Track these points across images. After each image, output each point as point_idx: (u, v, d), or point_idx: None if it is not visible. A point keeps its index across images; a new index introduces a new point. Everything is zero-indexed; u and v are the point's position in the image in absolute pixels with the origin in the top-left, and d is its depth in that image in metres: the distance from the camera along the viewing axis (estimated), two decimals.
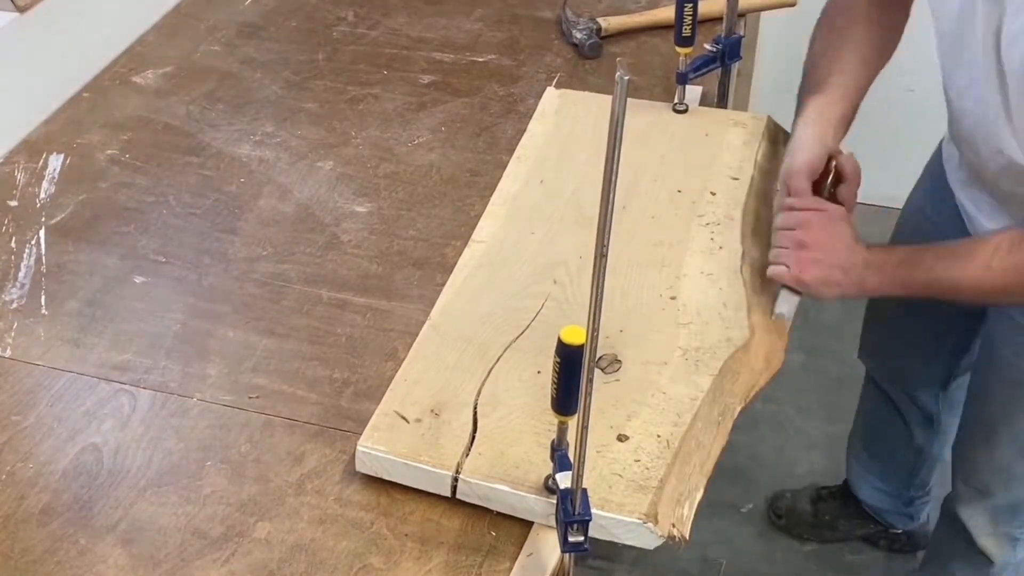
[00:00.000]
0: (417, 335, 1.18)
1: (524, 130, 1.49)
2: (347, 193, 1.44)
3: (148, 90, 1.65)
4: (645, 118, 1.48)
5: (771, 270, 1.22)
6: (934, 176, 1.49)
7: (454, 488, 1.03)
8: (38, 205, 1.43)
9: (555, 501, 0.98)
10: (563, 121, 1.50)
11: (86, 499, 1.06)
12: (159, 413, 1.15)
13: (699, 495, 1.02)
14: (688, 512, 1.00)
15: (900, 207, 1.63)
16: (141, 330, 1.25)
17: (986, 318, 1.50)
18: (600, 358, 1.12)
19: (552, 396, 0.92)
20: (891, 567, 2.03)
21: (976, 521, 1.62)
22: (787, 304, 1.21)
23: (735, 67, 1.57)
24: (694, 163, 1.41)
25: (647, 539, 0.98)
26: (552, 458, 0.98)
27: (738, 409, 1.11)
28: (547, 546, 1.00)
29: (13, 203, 1.43)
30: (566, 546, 0.93)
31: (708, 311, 1.20)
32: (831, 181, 1.26)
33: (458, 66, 1.69)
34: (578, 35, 1.70)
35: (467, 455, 1.04)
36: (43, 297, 1.29)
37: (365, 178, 1.47)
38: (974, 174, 1.34)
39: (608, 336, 1.15)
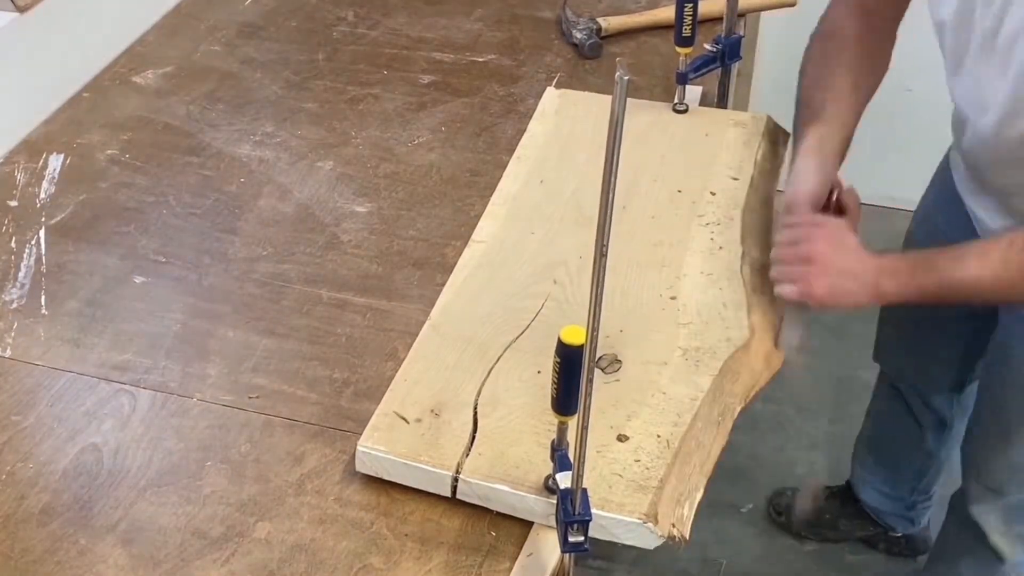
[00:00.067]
0: (417, 335, 1.18)
1: (524, 130, 1.49)
2: (347, 193, 1.44)
3: (148, 90, 1.65)
4: (645, 118, 1.48)
5: (778, 289, 1.19)
6: (944, 184, 1.48)
7: (454, 488, 1.03)
8: (38, 205, 1.43)
9: (555, 501, 0.98)
10: (563, 121, 1.50)
11: (86, 499, 1.06)
12: (159, 413, 1.15)
13: (699, 495, 1.02)
14: (688, 512, 1.00)
15: (900, 207, 1.63)
16: (141, 330, 1.25)
17: (998, 319, 1.50)
18: (600, 358, 1.12)
19: (552, 396, 0.92)
20: (892, 568, 2.03)
21: (989, 520, 1.62)
22: (792, 331, 1.19)
23: (735, 67, 1.57)
24: (694, 163, 1.41)
25: (647, 539, 0.98)
26: (552, 458, 0.98)
27: (738, 409, 1.11)
28: (547, 546, 1.00)
29: (13, 203, 1.43)
30: (566, 546, 0.93)
31: (708, 311, 1.20)
32: (832, 214, 1.24)
33: (458, 66, 1.69)
34: (578, 35, 1.70)
35: (467, 455, 1.04)
36: (43, 297, 1.29)
37: (365, 178, 1.47)
38: (979, 179, 1.33)
39: (608, 336, 1.15)
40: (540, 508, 1.00)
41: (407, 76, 1.67)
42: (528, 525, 1.02)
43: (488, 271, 1.26)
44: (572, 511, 0.91)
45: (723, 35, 1.50)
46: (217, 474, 1.08)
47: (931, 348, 1.70)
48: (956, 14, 1.17)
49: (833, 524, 2.04)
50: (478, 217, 1.34)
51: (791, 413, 2.29)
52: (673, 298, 1.22)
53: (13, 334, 1.25)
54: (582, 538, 0.92)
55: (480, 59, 1.70)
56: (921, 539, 2.01)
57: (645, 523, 0.97)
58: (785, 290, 1.18)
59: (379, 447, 1.05)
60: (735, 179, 1.38)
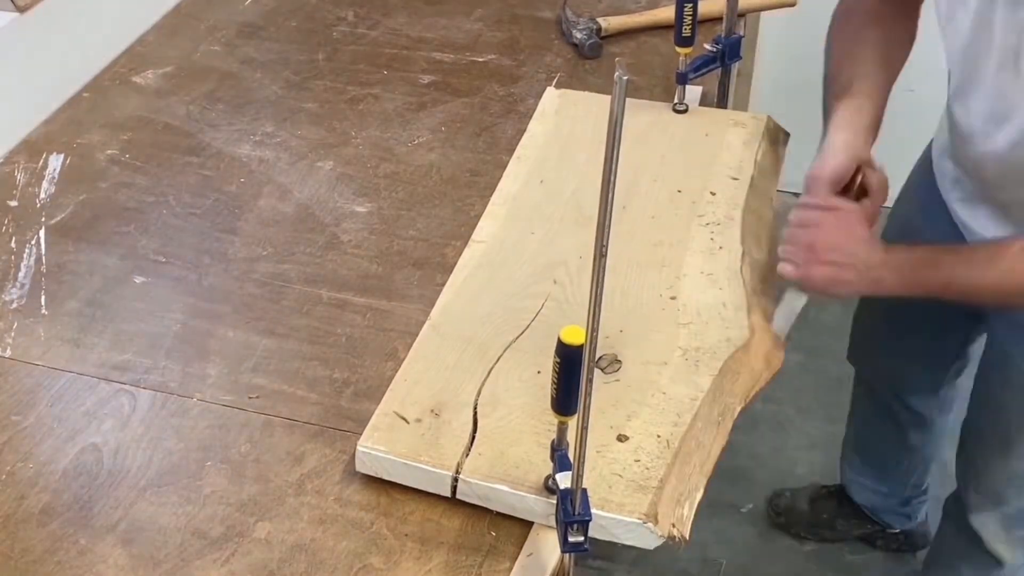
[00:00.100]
0: (417, 335, 1.18)
1: (524, 130, 1.49)
2: (347, 193, 1.44)
3: (148, 90, 1.65)
4: (645, 118, 1.48)
5: (780, 267, 1.21)
6: (926, 189, 1.46)
7: (454, 488, 1.03)
8: (38, 205, 1.43)
9: (555, 501, 0.98)
10: (563, 121, 1.50)
11: (86, 499, 1.06)
12: (159, 413, 1.15)
13: (699, 495, 1.02)
14: (688, 512, 1.00)
15: None
16: (141, 330, 1.25)
17: (989, 325, 1.49)
18: (600, 358, 1.12)
19: (552, 396, 0.92)
20: (891, 567, 2.03)
21: (988, 528, 1.61)
22: (784, 317, 1.20)
23: (735, 67, 1.57)
24: (694, 163, 1.41)
25: (647, 539, 0.98)
26: (552, 458, 0.98)
27: (738, 409, 1.11)
28: (547, 546, 1.00)
29: (13, 203, 1.43)
30: (566, 546, 0.93)
31: (708, 311, 1.20)
32: (855, 193, 1.23)
33: (458, 66, 1.69)
34: (578, 35, 1.70)
35: (467, 455, 1.04)
36: (43, 297, 1.29)
37: (365, 178, 1.47)
38: (982, 192, 1.31)
39: (608, 336, 1.15)
40: (540, 508, 1.00)
41: (407, 76, 1.67)
42: (528, 525, 1.02)
43: (488, 271, 1.26)
44: (572, 511, 0.91)
45: (723, 35, 1.50)
46: (217, 474, 1.08)
47: (904, 350, 1.70)
48: (972, 29, 1.15)
49: (831, 524, 2.04)
50: (478, 217, 1.34)
51: (791, 413, 2.29)
52: (673, 298, 1.22)
53: (13, 334, 1.25)
54: (582, 538, 0.92)
55: (480, 59, 1.70)
56: (920, 534, 2.00)
57: (645, 523, 0.97)
58: (786, 269, 1.20)
59: (379, 447, 1.05)
60: (735, 179, 1.38)
